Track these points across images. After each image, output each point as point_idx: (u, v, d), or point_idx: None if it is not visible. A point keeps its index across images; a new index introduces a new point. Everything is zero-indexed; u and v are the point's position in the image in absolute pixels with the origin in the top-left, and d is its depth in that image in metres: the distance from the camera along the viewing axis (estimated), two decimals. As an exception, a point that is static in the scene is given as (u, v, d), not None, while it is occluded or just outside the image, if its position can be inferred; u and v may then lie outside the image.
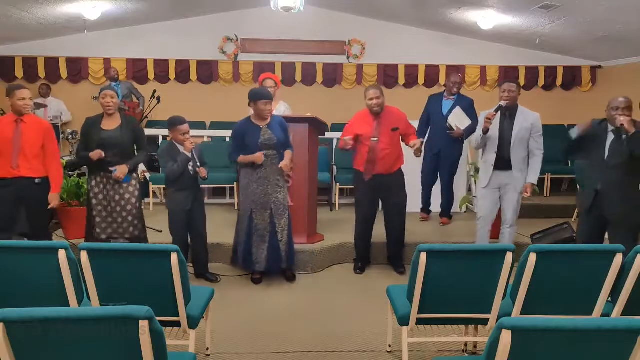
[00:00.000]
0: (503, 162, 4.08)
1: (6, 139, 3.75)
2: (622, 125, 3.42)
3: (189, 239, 4.17)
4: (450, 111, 5.32)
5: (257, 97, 4.00)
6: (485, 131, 4.01)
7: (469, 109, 5.29)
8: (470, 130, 5.12)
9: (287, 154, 4.11)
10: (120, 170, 3.85)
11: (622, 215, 3.59)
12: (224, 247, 4.58)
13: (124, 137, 3.89)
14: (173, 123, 3.97)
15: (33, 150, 3.82)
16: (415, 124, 5.43)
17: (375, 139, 4.20)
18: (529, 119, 4.06)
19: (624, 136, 3.47)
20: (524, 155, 4.08)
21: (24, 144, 3.78)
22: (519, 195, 4.14)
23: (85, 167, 6.15)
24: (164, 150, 4.04)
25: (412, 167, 5.15)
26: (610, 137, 3.63)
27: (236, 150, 4.06)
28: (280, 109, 4.91)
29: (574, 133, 3.72)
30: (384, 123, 4.23)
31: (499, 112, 4.05)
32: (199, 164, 3.99)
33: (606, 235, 3.89)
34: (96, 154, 3.81)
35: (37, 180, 3.84)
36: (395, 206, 4.38)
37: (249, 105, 4.11)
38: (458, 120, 5.22)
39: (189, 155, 3.92)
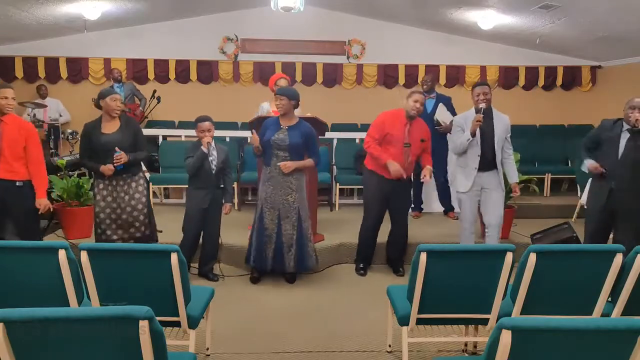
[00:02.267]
0: (487, 163, 4.10)
1: None
2: (636, 121, 3.57)
3: (201, 238, 4.20)
4: (434, 109, 5.46)
5: (277, 92, 4.10)
6: (474, 134, 4.02)
7: (449, 107, 5.54)
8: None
9: (306, 160, 4.06)
10: (123, 156, 3.78)
11: (635, 212, 3.68)
12: (224, 247, 4.58)
13: (124, 139, 3.86)
14: (196, 121, 4.06)
15: (13, 152, 3.66)
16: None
17: (408, 144, 4.15)
18: (504, 120, 4.14)
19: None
20: (501, 155, 4.15)
21: (3, 145, 3.62)
22: (502, 193, 4.17)
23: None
24: (189, 147, 4.13)
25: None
26: (625, 135, 3.71)
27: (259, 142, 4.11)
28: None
29: (584, 167, 3.94)
30: (414, 131, 4.18)
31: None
32: (219, 164, 4.03)
33: (611, 235, 3.93)
34: (108, 171, 3.78)
35: (17, 183, 3.70)
36: (402, 211, 4.38)
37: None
38: (443, 116, 5.42)
39: (205, 151, 3.96)
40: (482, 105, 4.00)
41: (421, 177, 4.21)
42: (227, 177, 4.17)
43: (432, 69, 8.57)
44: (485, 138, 4.07)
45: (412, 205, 5.84)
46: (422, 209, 5.96)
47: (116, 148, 3.77)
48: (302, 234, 4.10)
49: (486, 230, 4.24)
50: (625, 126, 3.71)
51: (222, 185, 4.14)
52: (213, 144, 4.04)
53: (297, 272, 4.21)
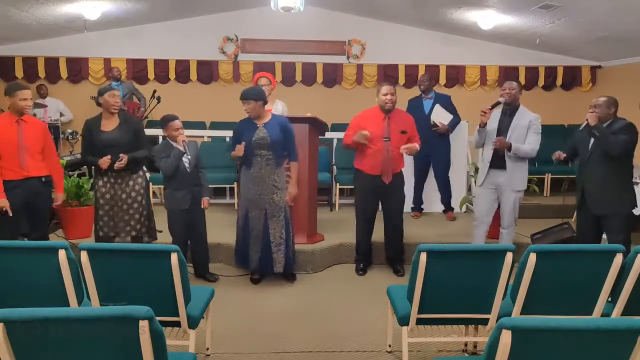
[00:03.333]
0: (499, 160, 4.10)
1: (11, 141, 3.70)
2: (587, 120, 3.67)
3: (189, 239, 4.17)
4: (431, 109, 5.44)
5: (240, 97, 4.02)
6: (482, 125, 4.03)
7: (448, 106, 5.51)
8: (454, 123, 5.49)
9: (293, 169, 4.04)
10: (124, 160, 3.81)
11: (609, 209, 3.71)
12: (223, 247, 4.59)
13: (124, 136, 3.87)
14: (165, 120, 4.01)
15: (37, 149, 3.83)
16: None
17: (388, 138, 4.17)
18: (528, 117, 4.09)
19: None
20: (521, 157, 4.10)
21: (28, 143, 3.76)
22: (516, 195, 4.15)
23: (85, 167, 6.16)
24: (158, 148, 4.06)
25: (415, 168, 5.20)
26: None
27: (233, 148, 4.08)
28: (278, 108, 4.90)
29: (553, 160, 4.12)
30: (394, 124, 4.20)
31: (500, 109, 4.11)
32: (193, 161, 3.99)
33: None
34: (105, 163, 3.79)
35: (43, 179, 3.87)
36: (395, 209, 4.38)
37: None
38: (440, 116, 5.41)
39: (182, 149, 3.94)
40: (501, 99, 4.04)
41: (401, 149, 4.18)
42: (202, 172, 4.13)
43: (432, 69, 8.57)
44: (500, 133, 4.08)
45: (413, 205, 5.86)
46: (423, 209, 5.96)
47: (120, 155, 3.80)
48: (289, 234, 4.11)
49: (500, 230, 4.30)
50: None
51: (197, 183, 4.08)
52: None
53: (285, 272, 4.20)
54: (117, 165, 3.81)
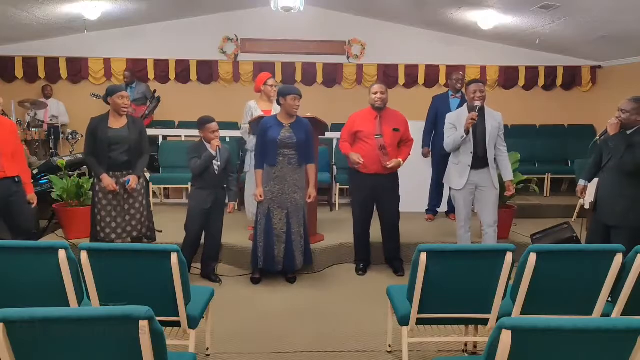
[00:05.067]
0: (479, 161, 4.11)
1: None
2: (606, 128, 3.53)
3: (203, 238, 4.20)
4: (458, 108, 5.39)
5: (287, 91, 4.02)
6: (467, 132, 4.02)
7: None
8: None
9: (312, 171, 4.14)
10: (134, 181, 3.85)
11: (617, 221, 3.54)
12: (224, 246, 4.58)
13: (132, 135, 3.87)
14: (202, 122, 4.04)
15: (10, 150, 3.79)
16: (418, 124, 5.44)
17: (380, 135, 4.19)
18: (496, 117, 4.14)
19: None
20: (494, 153, 4.14)
21: (1, 144, 3.72)
22: (497, 192, 4.17)
23: (85, 167, 6.16)
24: (192, 147, 4.10)
25: (416, 168, 5.15)
26: None
27: (260, 149, 4.04)
28: (278, 108, 4.90)
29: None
30: (386, 122, 4.23)
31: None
32: (222, 165, 4.03)
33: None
34: (110, 186, 3.79)
35: (16, 179, 3.84)
36: (390, 208, 4.39)
37: (278, 103, 4.11)
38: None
39: (214, 153, 3.96)
40: (478, 104, 4.03)
41: (386, 164, 4.17)
42: (231, 176, 4.16)
43: (432, 69, 8.59)
44: (477, 136, 4.09)
45: (427, 208, 5.78)
46: (438, 212, 5.80)
47: (124, 178, 3.84)
48: (306, 232, 4.18)
49: (483, 229, 4.24)
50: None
51: (225, 186, 4.13)
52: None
53: (301, 268, 4.24)
54: (129, 188, 3.83)
